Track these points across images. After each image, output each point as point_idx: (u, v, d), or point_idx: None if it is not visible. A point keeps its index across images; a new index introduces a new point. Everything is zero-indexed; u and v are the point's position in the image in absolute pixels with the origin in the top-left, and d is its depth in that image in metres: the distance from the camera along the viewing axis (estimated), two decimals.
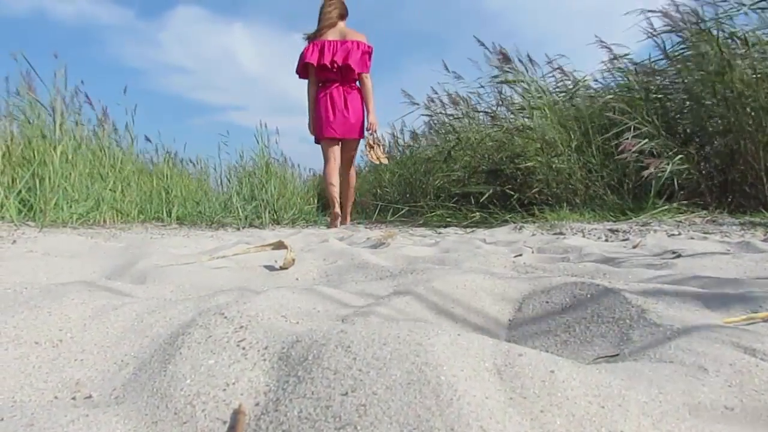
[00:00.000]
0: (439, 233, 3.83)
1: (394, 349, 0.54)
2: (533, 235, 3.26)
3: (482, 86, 6.23)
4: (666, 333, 0.83)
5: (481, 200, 5.05)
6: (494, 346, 0.61)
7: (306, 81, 3.86)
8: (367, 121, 3.84)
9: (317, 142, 4.02)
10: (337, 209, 3.95)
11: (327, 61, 3.55)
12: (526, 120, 5.48)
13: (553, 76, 5.82)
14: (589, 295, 1.08)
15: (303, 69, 3.79)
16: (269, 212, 5.39)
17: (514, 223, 4.15)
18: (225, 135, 7.30)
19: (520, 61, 5.52)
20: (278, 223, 5.34)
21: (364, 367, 0.52)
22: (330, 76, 3.67)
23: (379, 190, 8.38)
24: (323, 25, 3.67)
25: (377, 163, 4.18)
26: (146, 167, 5.63)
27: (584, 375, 0.56)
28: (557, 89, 5.86)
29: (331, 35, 3.64)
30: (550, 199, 4.95)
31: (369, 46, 3.77)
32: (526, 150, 5.13)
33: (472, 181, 5.80)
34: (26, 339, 0.74)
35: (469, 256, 1.86)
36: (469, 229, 4.20)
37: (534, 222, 4.09)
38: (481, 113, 6.26)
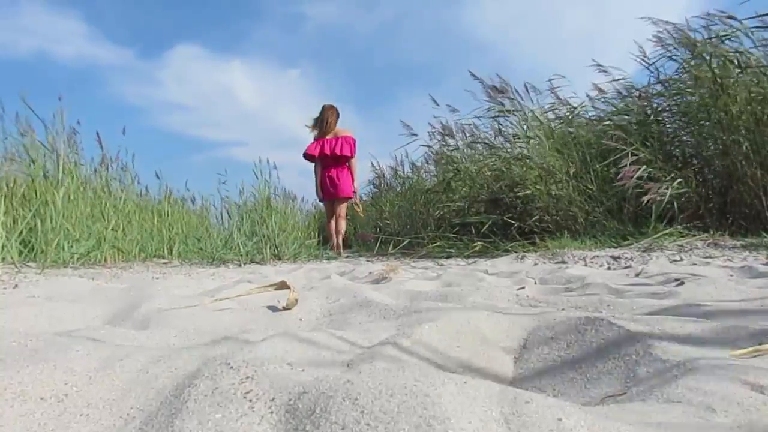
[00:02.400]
0: (441, 265, 3.83)
1: (401, 402, 0.54)
2: (535, 264, 3.25)
3: (478, 117, 6.33)
4: (672, 369, 0.83)
5: (481, 230, 5.06)
6: (501, 393, 0.61)
7: (312, 162, 6.04)
8: (354, 186, 5.96)
9: (321, 201, 6.22)
10: (337, 246, 6.04)
11: (327, 152, 5.73)
12: (523, 149, 5.54)
13: (551, 106, 5.90)
14: (594, 331, 1.08)
15: (310, 158, 5.90)
16: (270, 248, 5.39)
17: (516, 252, 4.15)
18: (223, 174, 7.38)
19: (518, 92, 5.62)
20: (279, 259, 5.34)
21: (372, 421, 0.52)
22: (328, 161, 5.81)
23: (380, 223, 8.42)
24: (326, 131, 5.74)
25: (360, 215, 6.82)
26: (147, 205, 5.66)
27: (592, 421, 0.56)
28: (554, 117, 5.94)
29: (329, 135, 5.77)
30: (550, 226, 4.96)
31: (353, 139, 5.81)
32: (525, 178, 5.17)
33: (472, 210, 5.83)
34: (31, 394, 0.74)
35: (472, 290, 1.86)
36: (470, 260, 4.20)
37: (535, 251, 4.09)
38: (479, 143, 6.34)
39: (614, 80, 5.60)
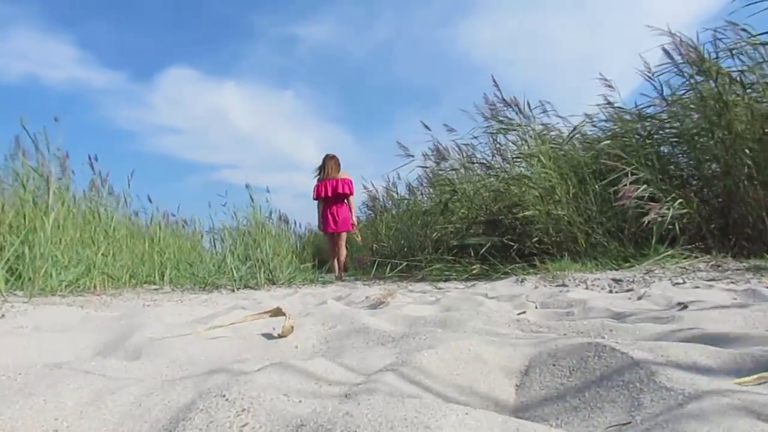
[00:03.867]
0: (440, 288, 3.82)
1: None
2: (536, 287, 3.25)
3: (475, 137, 6.38)
4: (677, 398, 0.83)
5: (480, 252, 5.07)
6: (503, 423, 0.61)
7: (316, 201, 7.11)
8: (352, 220, 7.02)
9: (324, 234, 7.20)
10: (337, 269, 6.91)
11: (330, 193, 6.85)
12: (522, 169, 5.58)
13: (550, 126, 5.96)
14: (597, 357, 1.08)
15: (317, 197, 6.98)
16: (264, 272, 5.39)
17: (516, 275, 4.15)
18: (224, 196, 7.43)
19: (518, 109, 5.68)
20: (274, 283, 5.32)
21: None
22: (330, 199, 6.89)
23: (376, 245, 8.41)
24: (328, 176, 6.89)
25: (358, 242, 7.64)
26: (138, 230, 5.65)
27: None
28: (554, 136, 5.99)
29: (330, 177, 6.90)
30: (550, 248, 4.97)
31: (350, 181, 6.97)
32: (524, 199, 5.20)
33: (470, 232, 5.83)
34: (21, 431, 0.74)
35: (472, 315, 1.85)
36: (469, 283, 4.20)
37: (536, 273, 4.09)
38: (476, 164, 6.39)
39: (609, 104, 5.67)
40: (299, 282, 5.65)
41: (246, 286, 4.95)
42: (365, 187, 9.59)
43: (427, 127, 6.84)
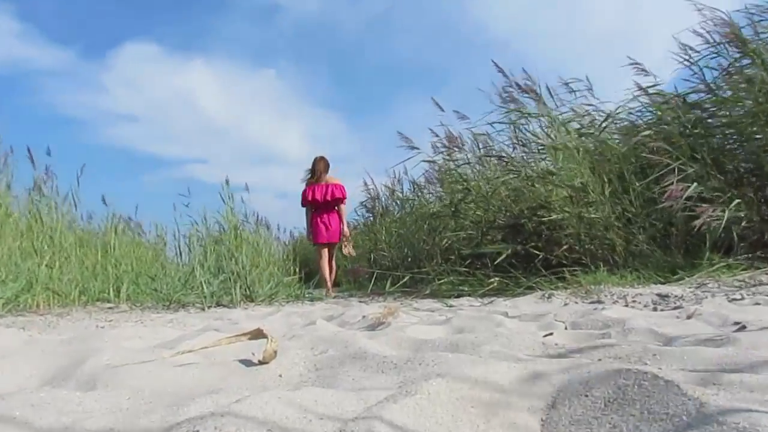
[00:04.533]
0: (450, 306, 3.84)
1: None
2: (565, 304, 3.26)
3: (491, 124, 6.36)
4: None
5: (499, 262, 5.07)
6: None
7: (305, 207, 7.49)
8: (342, 231, 7.31)
9: (313, 245, 7.49)
10: (329, 286, 7.13)
11: (319, 198, 7.14)
12: (548, 163, 5.59)
13: (580, 113, 5.97)
14: (637, 387, 1.09)
15: (305, 202, 7.33)
16: (241, 287, 5.39)
17: (541, 289, 4.16)
18: (186, 195, 7.34)
19: (540, 94, 5.70)
20: (252, 300, 5.33)
21: None
22: (320, 206, 7.21)
23: (374, 255, 8.39)
24: (317, 178, 7.21)
25: (348, 254, 7.57)
26: (90, 237, 5.66)
27: None
28: (586, 123, 5.99)
29: (320, 182, 7.20)
30: (583, 258, 4.98)
31: (342, 186, 7.29)
32: (551, 199, 5.21)
33: (487, 239, 5.83)
34: None
35: (489, 337, 1.86)
36: (486, 300, 4.22)
37: (565, 288, 4.10)
38: (493, 157, 6.38)
39: (652, 86, 5.68)
40: (282, 299, 5.66)
41: (219, 304, 4.96)
42: (365, 184, 9.48)
43: (440, 106, 6.74)
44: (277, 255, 7.84)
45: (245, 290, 5.44)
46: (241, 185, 8.67)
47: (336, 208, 7.34)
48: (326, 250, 7.33)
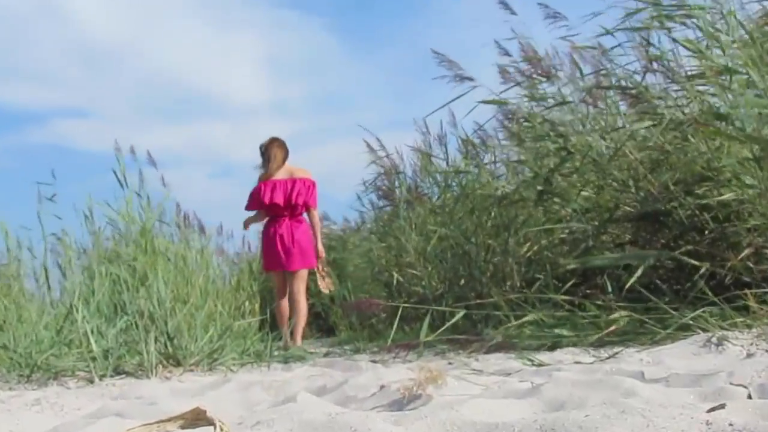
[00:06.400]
0: (540, 365, 2.77)
1: None
2: (748, 355, 2.46)
3: (609, 32, 3.81)
4: None
5: (627, 283, 3.40)
6: None
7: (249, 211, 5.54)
8: (317, 249, 5.33)
9: (265, 271, 5.80)
10: (291, 341, 4.95)
11: (279, 200, 5.09)
12: (713, 100, 3.66)
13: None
14: None
15: (257, 206, 5.29)
16: (157, 340, 3.55)
17: (704, 330, 2.96)
18: (49, 183, 4.94)
19: None
20: (179, 364, 3.57)
21: None
22: (279, 211, 5.18)
23: (396, 275, 5.61)
24: (273, 166, 5.19)
25: (326, 292, 5.73)
26: None
27: None
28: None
29: (280, 175, 5.20)
30: None
31: (313, 181, 5.33)
32: (720, 164, 3.47)
33: (603, 240, 4.08)
34: None
35: (612, 417, 1.34)
36: (603, 351, 3.04)
37: (748, 325, 2.93)
38: (612, 90, 4.15)
39: None
40: (233, 360, 3.79)
41: (119, 372, 3.39)
42: (371, 148, 6.11)
43: (508, 6, 4.41)
44: (220, 281, 5.80)
45: (165, 345, 3.57)
46: (146, 155, 5.68)
47: (304, 215, 5.27)
48: (286, 279, 5.21)
